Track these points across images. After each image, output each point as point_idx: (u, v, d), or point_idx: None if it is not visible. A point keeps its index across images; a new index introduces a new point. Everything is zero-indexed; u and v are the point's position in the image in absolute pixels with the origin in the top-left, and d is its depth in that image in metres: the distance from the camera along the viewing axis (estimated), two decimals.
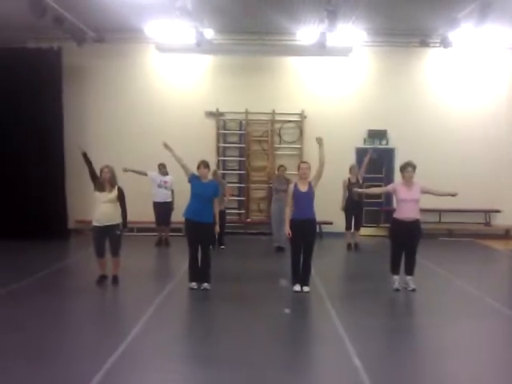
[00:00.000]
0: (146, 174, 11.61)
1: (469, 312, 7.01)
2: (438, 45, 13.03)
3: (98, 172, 8.06)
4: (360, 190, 9.12)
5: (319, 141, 7.81)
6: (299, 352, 5.58)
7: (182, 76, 13.76)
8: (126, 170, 10.86)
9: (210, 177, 8.43)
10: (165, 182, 11.57)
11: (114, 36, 12.91)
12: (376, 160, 12.28)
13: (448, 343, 5.79)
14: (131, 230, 12.10)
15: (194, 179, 7.83)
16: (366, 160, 11.59)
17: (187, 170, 7.92)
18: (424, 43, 13.29)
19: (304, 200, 7.72)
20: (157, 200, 11.64)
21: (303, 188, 7.75)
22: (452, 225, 13.84)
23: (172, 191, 11.66)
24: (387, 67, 13.67)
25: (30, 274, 8.72)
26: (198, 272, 7.86)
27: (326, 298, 7.44)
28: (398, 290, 7.91)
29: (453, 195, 8.14)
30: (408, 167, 7.87)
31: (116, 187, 8.04)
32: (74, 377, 4.80)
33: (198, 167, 7.92)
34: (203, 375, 4.88)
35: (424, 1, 10.58)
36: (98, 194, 8.00)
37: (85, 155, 8.11)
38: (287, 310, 6.83)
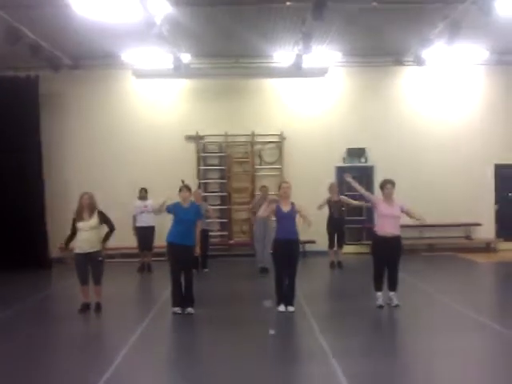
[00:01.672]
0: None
1: (454, 327, 7.02)
2: (411, 63, 13.32)
3: (71, 201, 8.07)
4: (350, 179, 8.82)
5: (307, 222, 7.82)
6: (286, 373, 5.54)
7: (160, 101, 13.80)
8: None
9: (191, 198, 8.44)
10: (145, 207, 11.50)
11: (90, 62, 13.02)
12: (356, 178, 12.33)
13: (434, 361, 5.78)
14: (113, 256, 12.01)
15: (172, 208, 7.83)
16: (353, 184, 11.54)
17: (164, 208, 7.92)
18: (398, 62, 13.59)
19: (287, 220, 7.75)
20: (139, 225, 11.57)
21: (285, 208, 7.79)
22: (433, 239, 13.96)
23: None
24: (363, 86, 13.89)
25: (12, 304, 8.60)
26: (182, 297, 7.80)
27: (311, 318, 7.43)
28: (381, 306, 7.93)
29: (419, 220, 8.13)
30: (387, 184, 7.97)
31: (96, 212, 8.00)
32: None
33: (180, 190, 7.92)
34: None
35: (396, 21, 10.82)
36: (79, 224, 7.97)
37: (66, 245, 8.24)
38: (272, 331, 6.79)
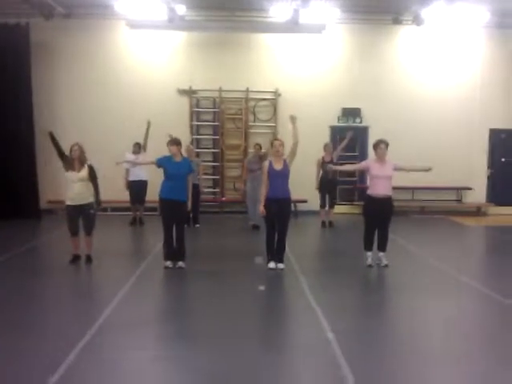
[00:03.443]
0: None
1: (439, 288, 7.12)
2: (410, 22, 13.08)
3: (66, 151, 7.94)
4: (334, 167, 9.15)
5: (292, 119, 7.80)
6: (273, 327, 5.63)
7: (153, 53, 13.52)
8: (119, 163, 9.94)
9: (184, 153, 8.36)
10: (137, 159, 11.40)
11: (82, 11, 12.66)
12: (350, 139, 12.32)
13: (419, 320, 5.89)
14: (105, 209, 12.00)
15: (164, 162, 7.77)
16: (345, 142, 11.59)
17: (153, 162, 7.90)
18: (397, 21, 13.33)
19: (279, 178, 7.70)
20: (131, 178, 11.52)
21: (278, 166, 7.73)
22: (424, 202, 14.04)
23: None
24: (360, 45, 13.66)
25: (2, 253, 8.60)
26: (173, 251, 7.83)
27: (300, 275, 7.51)
28: (370, 266, 8.02)
29: (426, 170, 8.22)
30: (380, 144, 7.93)
31: (86, 165, 7.93)
32: (49, 354, 4.77)
33: (168, 144, 7.85)
34: (179, 352, 4.88)
35: None
36: (67, 173, 7.90)
37: (51, 135, 7.97)
38: (262, 287, 6.86)
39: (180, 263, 7.82)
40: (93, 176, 7.97)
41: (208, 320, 5.72)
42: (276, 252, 7.85)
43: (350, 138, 11.56)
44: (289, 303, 6.69)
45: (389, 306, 6.61)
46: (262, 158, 10.59)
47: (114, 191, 11.62)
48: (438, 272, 7.94)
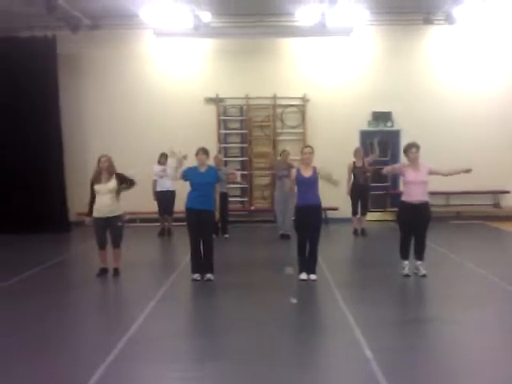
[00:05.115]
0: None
1: (484, 299, 6.70)
2: (442, 22, 12.68)
3: (89, 164, 7.88)
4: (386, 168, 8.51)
5: (328, 177, 7.43)
6: (308, 344, 5.32)
7: (180, 61, 13.42)
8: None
9: (211, 162, 8.18)
10: (163, 171, 11.33)
11: (109, 22, 12.65)
12: (381, 143, 11.96)
13: (464, 335, 5.51)
14: (134, 220, 11.91)
15: (188, 173, 7.57)
16: (375, 155, 11.22)
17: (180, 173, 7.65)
18: (428, 21, 12.94)
19: (307, 186, 7.44)
20: (159, 189, 11.42)
21: (306, 173, 7.47)
22: (460, 207, 13.54)
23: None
24: (390, 47, 13.29)
25: (31, 267, 8.57)
26: (201, 263, 7.61)
27: (334, 287, 7.19)
28: (408, 275, 7.65)
29: (466, 171, 7.77)
30: (412, 148, 7.57)
31: (114, 175, 7.79)
32: (78, 369, 4.69)
33: (197, 154, 7.65)
34: (208, 370, 4.63)
35: None
36: (96, 186, 7.78)
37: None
38: (294, 300, 6.57)
39: (208, 275, 7.59)
40: (124, 178, 7.78)
41: (237, 336, 5.44)
42: (308, 262, 7.55)
43: (377, 144, 11.18)
44: (323, 318, 6.36)
45: (430, 320, 6.15)
46: (290, 165, 10.33)
47: (143, 202, 11.53)
48: (482, 281, 7.53)
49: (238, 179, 10.89)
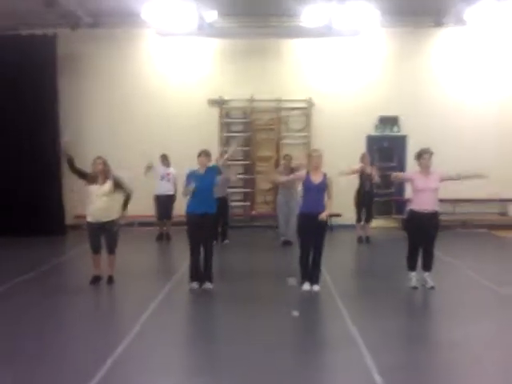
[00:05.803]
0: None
1: (496, 312, 6.40)
2: (452, 24, 12.33)
3: (87, 166, 7.55)
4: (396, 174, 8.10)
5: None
6: (310, 360, 4.98)
7: (182, 62, 13.09)
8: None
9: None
10: (167, 174, 11.07)
11: (109, 20, 12.33)
12: (387, 148, 11.63)
13: (476, 351, 5.18)
14: (131, 224, 11.58)
15: (189, 179, 7.25)
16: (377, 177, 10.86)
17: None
18: (438, 23, 12.59)
19: (314, 192, 7.09)
20: (158, 193, 11.10)
21: (316, 179, 7.11)
22: (466, 215, 13.16)
23: (175, 185, 11.02)
24: (398, 49, 12.94)
25: (26, 271, 8.33)
26: (200, 271, 7.29)
27: (338, 298, 6.85)
28: (415, 287, 7.31)
29: (481, 177, 7.39)
30: (424, 154, 7.25)
31: (110, 178, 7.46)
32: (70, 379, 4.49)
33: (199, 156, 7.35)
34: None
35: None
36: (90, 187, 7.45)
37: (70, 161, 7.51)
38: (296, 313, 6.24)
39: (207, 284, 7.27)
40: (120, 185, 7.48)
41: (236, 349, 5.13)
42: (311, 272, 7.22)
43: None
44: (326, 332, 6.03)
45: (439, 335, 5.84)
46: (293, 170, 9.98)
47: (141, 205, 11.18)
48: (491, 293, 7.21)
49: (220, 162, 9.96)
